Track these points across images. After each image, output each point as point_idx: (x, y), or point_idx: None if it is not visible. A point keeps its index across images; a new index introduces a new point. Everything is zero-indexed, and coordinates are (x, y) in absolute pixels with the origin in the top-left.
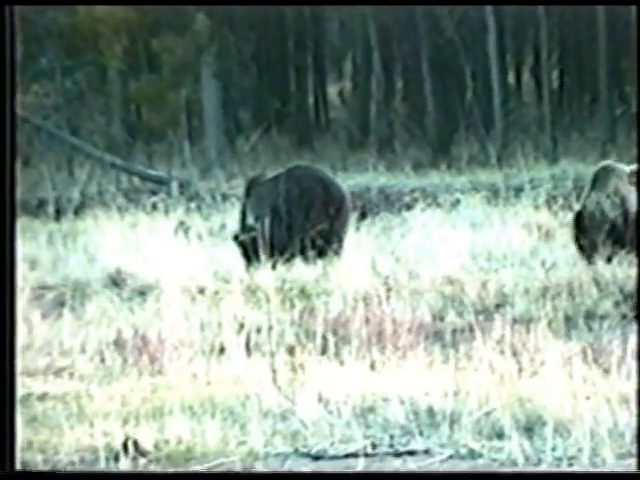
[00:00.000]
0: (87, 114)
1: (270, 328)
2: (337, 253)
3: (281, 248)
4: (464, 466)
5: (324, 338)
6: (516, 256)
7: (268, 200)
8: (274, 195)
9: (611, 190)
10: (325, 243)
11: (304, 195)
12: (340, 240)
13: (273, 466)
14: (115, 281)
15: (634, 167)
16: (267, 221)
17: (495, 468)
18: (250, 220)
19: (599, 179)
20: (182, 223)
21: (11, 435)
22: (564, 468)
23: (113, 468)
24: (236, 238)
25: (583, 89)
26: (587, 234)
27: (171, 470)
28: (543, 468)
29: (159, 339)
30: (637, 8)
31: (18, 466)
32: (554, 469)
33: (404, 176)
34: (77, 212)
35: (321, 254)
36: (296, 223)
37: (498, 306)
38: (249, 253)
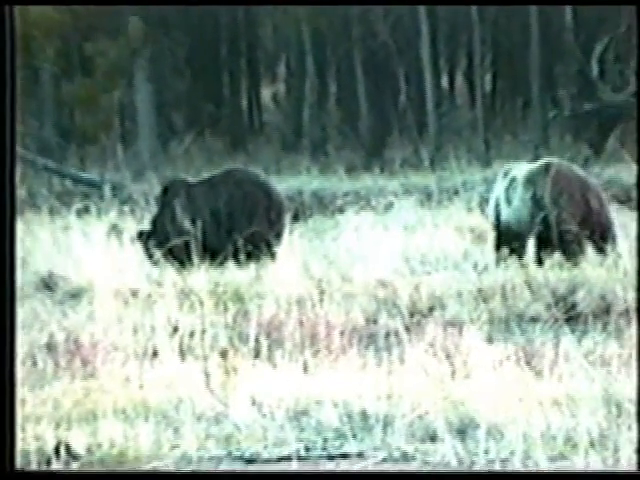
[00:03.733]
0: (19, 117)
1: (203, 331)
2: (273, 257)
3: (216, 252)
4: (397, 469)
5: (257, 341)
6: (449, 259)
7: (205, 203)
8: (212, 198)
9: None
10: (262, 247)
11: (246, 199)
12: (277, 245)
13: (206, 470)
14: (47, 284)
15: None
16: (204, 224)
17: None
18: (186, 223)
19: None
20: (115, 226)
21: (11, 435)
22: (565, 468)
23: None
24: (141, 236)
25: (516, 92)
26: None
27: (172, 470)
28: (476, 468)
29: (92, 342)
30: (637, 8)
31: (18, 466)
32: (554, 469)
33: (337, 179)
34: None
35: (255, 258)
36: (237, 227)
37: (431, 309)
38: (181, 256)
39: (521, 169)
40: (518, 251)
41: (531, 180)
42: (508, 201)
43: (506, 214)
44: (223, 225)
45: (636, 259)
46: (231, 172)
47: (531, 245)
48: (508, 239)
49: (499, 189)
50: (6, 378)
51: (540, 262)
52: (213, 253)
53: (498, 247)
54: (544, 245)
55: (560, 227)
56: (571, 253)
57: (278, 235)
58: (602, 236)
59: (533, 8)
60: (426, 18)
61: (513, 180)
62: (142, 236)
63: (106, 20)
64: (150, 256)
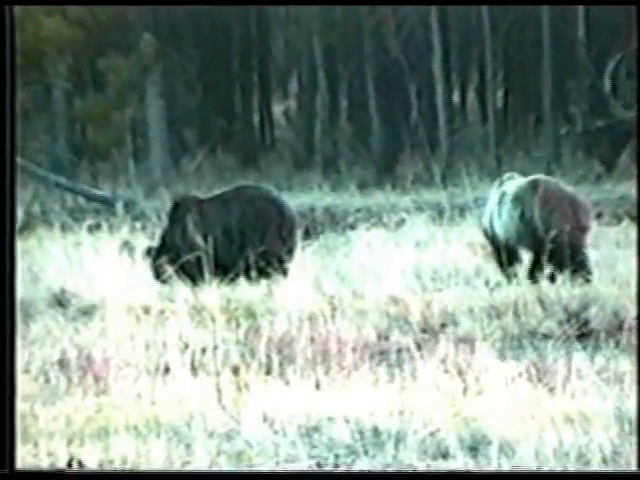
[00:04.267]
0: (32, 133)
1: (215, 348)
2: (285, 274)
3: (227, 268)
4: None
5: (269, 358)
6: (460, 275)
7: (217, 219)
8: (224, 214)
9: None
10: (274, 264)
11: (259, 216)
12: (289, 261)
13: None
14: (59, 301)
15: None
16: (215, 240)
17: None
18: (197, 239)
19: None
20: (127, 243)
21: (11, 435)
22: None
23: None
24: (149, 253)
25: (528, 109)
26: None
27: (171, 470)
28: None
29: (104, 359)
30: (637, 8)
31: (18, 466)
32: (554, 469)
33: (349, 195)
34: (21, 231)
35: (267, 274)
36: (249, 243)
37: (443, 325)
38: (193, 272)
39: (512, 184)
40: (513, 266)
41: (519, 197)
42: (499, 215)
43: (498, 228)
44: (235, 241)
45: (637, 265)
46: (243, 188)
47: (527, 261)
48: (504, 253)
49: (492, 202)
50: (6, 379)
51: (552, 279)
52: (225, 269)
53: (499, 260)
54: (555, 263)
55: (570, 244)
56: (583, 270)
57: (290, 251)
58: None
59: (545, 23)
60: (438, 33)
61: (503, 194)
62: (150, 252)
63: (118, 36)
64: (157, 273)
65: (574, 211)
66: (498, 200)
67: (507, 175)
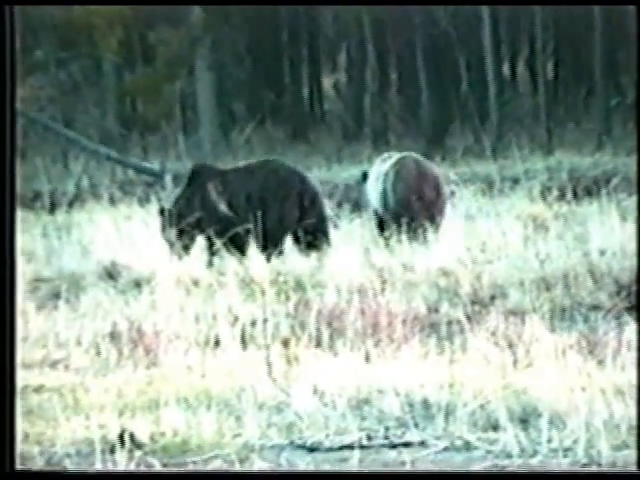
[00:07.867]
0: (82, 107)
1: (265, 320)
2: (328, 244)
3: (276, 240)
4: (459, 458)
5: (319, 330)
6: (510, 247)
7: (245, 190)
8: (254, 186)
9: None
10: (313, 235)
11: (280, 185)
12: (326, 233)
13: (269, 458)
14: (110, 273)
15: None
16: (255, 212)
17: (492, 462)
18: (222, 207)
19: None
20: None
21: (11, 435)
22: (564, 468)
23: (109, 460)
24: (162, 213)
25: (578, 80)
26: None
27: (172, 470)
28: (538, 459)
29: (154, 331)
30: (637, 8)
31: (18, 466)
32: (554, 469)
33: None
34: (72, 204)
35: (311, 246)
36: (287, 216)
37: (493, 298)
38: (240, 244)
39: (386, 163)
40: (387, 233)
41: (385, 174)
42: (374, 190)
43: (374, 201)
44: (276, 212)
45: (637, 251)
46: (266, 162)
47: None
48: (377, 222)
49: (372, 178)
50: (7, 378)
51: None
52: (274, 242)
53: (380, 229)
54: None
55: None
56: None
57: (325, 223)
58: (431, 221)
59: None
60: (487, 6)
61: (379, 172)
62: (163, 213)
63: (168, 10)
64: (185, 246)
65: (419, 184)
66: (375, 177)
67: (386, 154)
